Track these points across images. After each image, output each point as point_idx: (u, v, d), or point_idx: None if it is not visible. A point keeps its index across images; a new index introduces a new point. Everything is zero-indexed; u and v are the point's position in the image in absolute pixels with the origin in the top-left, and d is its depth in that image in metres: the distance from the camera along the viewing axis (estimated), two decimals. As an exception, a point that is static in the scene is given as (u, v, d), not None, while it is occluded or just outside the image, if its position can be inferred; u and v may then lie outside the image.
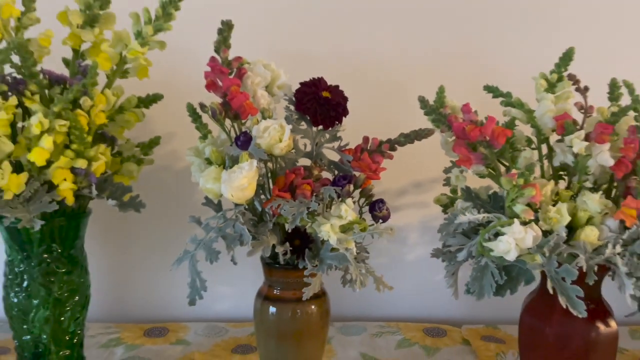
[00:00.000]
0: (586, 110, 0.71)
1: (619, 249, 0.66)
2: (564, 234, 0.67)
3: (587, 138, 0.70)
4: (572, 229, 0.70)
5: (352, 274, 0.64)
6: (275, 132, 0.64)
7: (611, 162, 0.68)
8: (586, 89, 0.71)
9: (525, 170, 0.67)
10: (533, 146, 0.75)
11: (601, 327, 0.72)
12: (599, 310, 0.72)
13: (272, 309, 0.72)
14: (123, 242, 1.03)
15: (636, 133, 0.68)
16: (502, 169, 0.73)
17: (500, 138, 0.68)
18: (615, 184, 0.72)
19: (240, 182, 0.61)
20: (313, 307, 0.73)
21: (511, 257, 0.65)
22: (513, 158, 0.73)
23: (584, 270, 0.64)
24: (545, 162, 0.75)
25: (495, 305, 0.93)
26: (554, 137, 0.75)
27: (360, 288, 0.68)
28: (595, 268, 0.64)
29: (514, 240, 0.65)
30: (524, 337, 0.77)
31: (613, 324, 0.73)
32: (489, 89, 0.74)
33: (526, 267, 0.68)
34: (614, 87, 0.74)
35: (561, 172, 0.76)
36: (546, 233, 0.68)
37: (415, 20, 0.99)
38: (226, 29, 0.68)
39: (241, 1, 0.96)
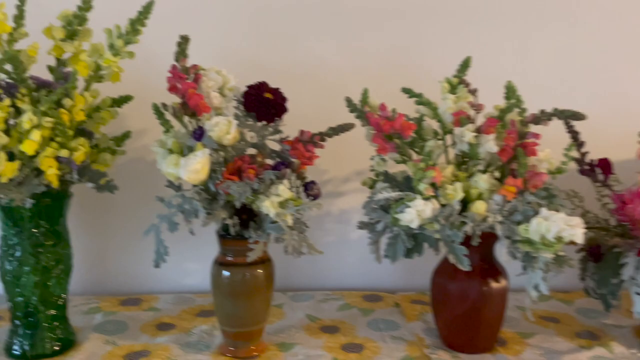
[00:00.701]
0: (477, 107, 0.87)
1: (499, 218, 0.83)
2: (457, 207, 0.84)
3: (479, 130, 0.87)
4: (467, 203, 0.86)
5: (287, 242, 0.80)
6: (224, 126, 0.79)
7: (495, 149, 0.85)
8: (475, 90, 0.87)
9: (426, 156, 0.84)
10: (439, 137, 0.91)
11: (493, 283, 0.89)
12: (492, 270, 0.90)
13: (226, 273, 0.87)
14: (103, 223, 1.17)
15: (515, 126, 0.85)
16: (416, 156, 0.90)
17: (407, 130, 0.85)
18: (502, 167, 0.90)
19: (195, 167, 0.77)
20: (260, 270, 0.88)
21: (415, 225, 0.82)
22: (421, 147, 0.89)
23: (469, 235, 0.81)
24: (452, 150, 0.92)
25: (426, 276, 1.10)
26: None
27: (294, 253, 0.83)
28: (480, 233, 0.81)
29: (416, 212, 0.81)
30: (434, 294, 0.94)
31: (503, 281, 0.90)
32: (405, 90, 0.90)
33: (428, 234, 0.84)
34: (508, 89, 0.91)
35: (465, 159, 0.93)
36: (445, 207, 0.84)
37: (355, 29, 1.15)
38: (183, 42, 0.83)
39: (200, 14, 1.11)
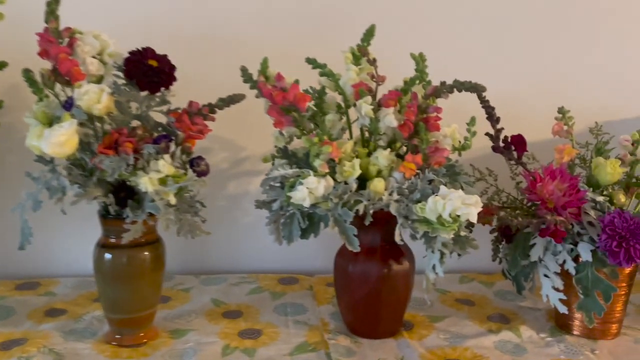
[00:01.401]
0: (377, 79, 0.82)
1: (395, 196, 0.78)
2: (354, 185, 0.79)
3: (379, 103, 0.82)
4: (367, 180, 0.81)
5: (162, 220, 0.74)
6: (94, 95, 0.73)
7: (394, 124, 0.80)
8: (374, 60, 0.82)
9: (321, 131, 0.78)
10: (342, 111, 0.86)
11: (394, 265, 0.85)
12: (394, 251, 0.85)
13: (108, 256, 0.81)
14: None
15: (416, 99, 0.80)
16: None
17: (301, 102, 0.79)
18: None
19: (58, 139, 0.70)
20: (146, 253, 0.82)
21: (307, 204, 0.76)
22: (322, 121, 0.84)
23: (360, 214, 0.76)
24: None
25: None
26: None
27: (170, 229, 0.77)
28: (372, 212, 0.76)
29: (307, 190, 0.76)
30: (336, 276, 0.89)
31: (406, 263, 0.86)
32: (309, 61, 0.84)
33: (321, 213, 0.79)
34: (415, 59, 0.85)
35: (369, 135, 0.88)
36: (340, 184, 0.79)
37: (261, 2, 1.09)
38: (53, 1, 0.76)
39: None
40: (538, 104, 1.12)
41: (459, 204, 0.73)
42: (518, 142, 0.92)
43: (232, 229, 1.16)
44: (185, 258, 1.16)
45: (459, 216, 0.74)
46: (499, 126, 0.93)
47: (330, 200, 0.76)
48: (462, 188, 0.83)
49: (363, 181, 0.81)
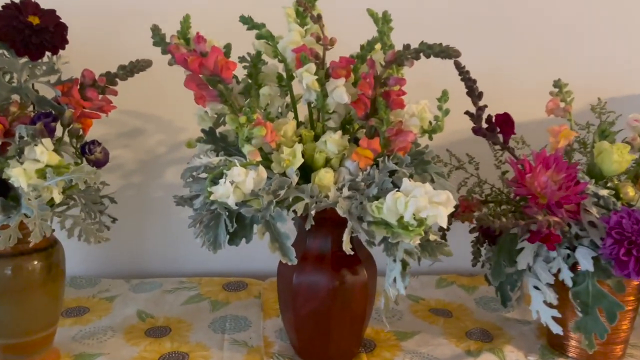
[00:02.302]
0: (324, 42, 0.64)
1: (346, 192, 0.61)
2: (294, 177, 0.62)
3: (328, 74, 0.64)
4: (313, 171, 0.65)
5: (31, 224, 0.57)
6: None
7: (346, 99, 0.62)
8: (319, 17, 0.64)
9: (250, 108, 0.61)
10: (283, 84, 0.69)
11: (349, 275, 0.68)
12: (348, 259, 0.68)
13: (-15, 266, 0.64)
14: None
15: (374, 67, 0.63)
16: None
17: (225, 71, 0.62)
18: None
19: None
20: (35, 262, 0.65)
21: (231, 202, 0.60)
22: (255, 95, 0.67)
23: (299, 214, 0.59)
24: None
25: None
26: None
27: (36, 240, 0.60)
28: (314, 212, 0.60)
29: (231, 184, 0.59)
30: (280, 287, 0.73)
31: (364, 272, 0.69)
32: (243, 20, 0.66)
33: (252, 214, 0.62)
34: (376, 19, 0.68)
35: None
36: (275, 177, 0.63)
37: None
38: None
39: None
40: (529, 76, 0.95)
41: (424, 202, 0.57)
42: (504, 123, 0.75)
43: (170, 223, 0.99)
44: (113, 258, 0.99)
45: (422, 219, 0.58)
46: (481, 103, 0.76)
47: (261, 197, 0.59)
48: (432, 180, 0.66)
49: (308, 173, 0.64)
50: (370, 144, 0.61)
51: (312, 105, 0.67)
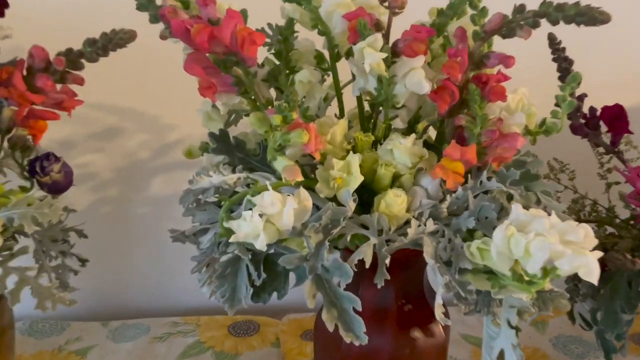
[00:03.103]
0: (392, 4, 0.44)
1: (431, 225, 0.41)
2: (351, 204, 0.42)
3: (395, 51, 0.44)
4: (373, 195, 0.45)
5: None
6: None
7: (427, 88, 0.43)
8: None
9: (289, 102, 0.41)
10: (324, 67, 0.49)
11: (420, 335, 0.49)
12: (420, 313, 0.49)
13: None
14: None
15: (465, 40, 0.43)
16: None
17: (249, 47, 0.41)
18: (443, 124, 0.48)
19: None
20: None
21: (260, 244, 0.39)
22: (289, 84, 0.46)
23: (366, 263, 0.39)
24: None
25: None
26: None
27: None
28: (388, 259, 0.40)
29: (262, 218, 0.39)
30: (319, 345, 0.53)
31: (438, 331, 0.50)
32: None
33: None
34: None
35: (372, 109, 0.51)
36: (327, 206, 0.43)
37: None
38: None
39: None
40: (604, 65, 0.76)
41: (558, 245, 0.38)
42: (615, 118, 0.56)
43: (158, 247, 0.78)
44: (86, 294, 0.78)
45: (555, 269, 0.39)
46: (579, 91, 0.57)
47: (307, 236, 0.39)
48: (537, 202, 0.47)
49: (365, 196, 0.44)
50: (465, 153, 0.42)
51: (366, 96, 0.47)
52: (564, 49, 0.55)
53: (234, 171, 0.45)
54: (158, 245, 0.78)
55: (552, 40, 0.55)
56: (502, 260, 0.40)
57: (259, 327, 0.74)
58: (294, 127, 0.41)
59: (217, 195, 0.46)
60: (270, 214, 0.39)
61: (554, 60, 0.56)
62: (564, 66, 0.56)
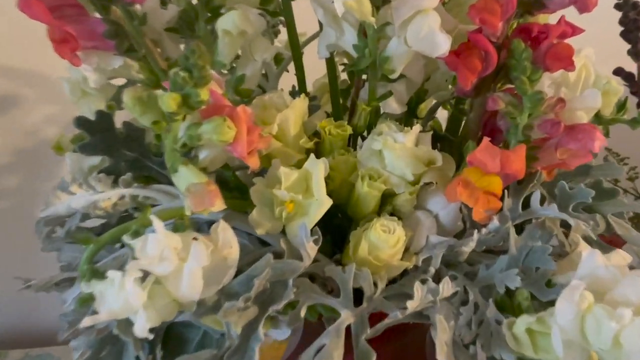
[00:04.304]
0: None
1: (448, 288, 0.24)
2: (309, 248, 0.24)
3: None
4: (348, 227, 0.27)
5: None
6: None
7: (444, 45, 0.25)
8: None
9: (187, 70, 0.22)
10: (275, 7, 0.31)
11: None
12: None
13: None
14: None
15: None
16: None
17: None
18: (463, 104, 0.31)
19: None
20: None
21: (140, 328, 0.22)
22: (208, 35, 0.28)
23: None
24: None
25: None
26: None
27: None
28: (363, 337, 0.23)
29: (145, 283, 0.22)
30: None
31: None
32: None
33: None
34: None
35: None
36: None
37: None
38: None
39: None
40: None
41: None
42: None
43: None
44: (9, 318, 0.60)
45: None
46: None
47: (227, 322, 0.22)
48: (607, 228, 0.30)
49: (336, 224, 0.27)
50: (509, 160, 0.24)
51: (346, 62, 0.29)
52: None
53: (117, 183, 0.27)
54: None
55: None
56: (571, 352, 0.23)
57: None
58: (210, 112, 0.24)
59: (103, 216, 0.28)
60: (160, 274, 0.22)
61: (622, 21, 0.38)
62: (632, 25, 0.39)
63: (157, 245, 0.21)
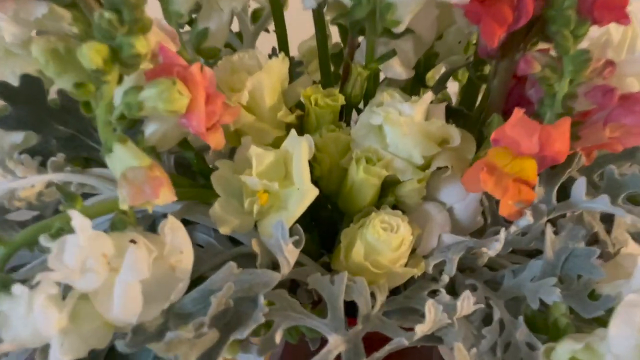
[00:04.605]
0: None
1: (469, 304, 0.19)
2: (287, 253, 0.19)
3: None
4: (342, 221, 0.22)
5: None
6: None
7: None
8: None
9: (114, 10, 0.17)
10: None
11: None
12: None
13: None
14: None
15: None
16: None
17: None
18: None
19: None
20: None
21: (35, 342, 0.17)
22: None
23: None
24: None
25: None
26: None
27: None
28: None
29: (66, 303, 0.16)
30: None
31: None
32: None
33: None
34: None
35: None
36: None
37: None
38: None
39: None
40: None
41: None
42: None
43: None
44: None
45: None
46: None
47: (172, 343, 0.17)
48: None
49: (330, 218, 0.22)
50: (550, 134, 0.19)
51: (336, 13, 0.23)
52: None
53: (44, 167, 0.21)
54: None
55: None
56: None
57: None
58: (156, 74, 0.18)
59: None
60: (84, 290, 0.16)
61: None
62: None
63: (77, 252, 0.16)
